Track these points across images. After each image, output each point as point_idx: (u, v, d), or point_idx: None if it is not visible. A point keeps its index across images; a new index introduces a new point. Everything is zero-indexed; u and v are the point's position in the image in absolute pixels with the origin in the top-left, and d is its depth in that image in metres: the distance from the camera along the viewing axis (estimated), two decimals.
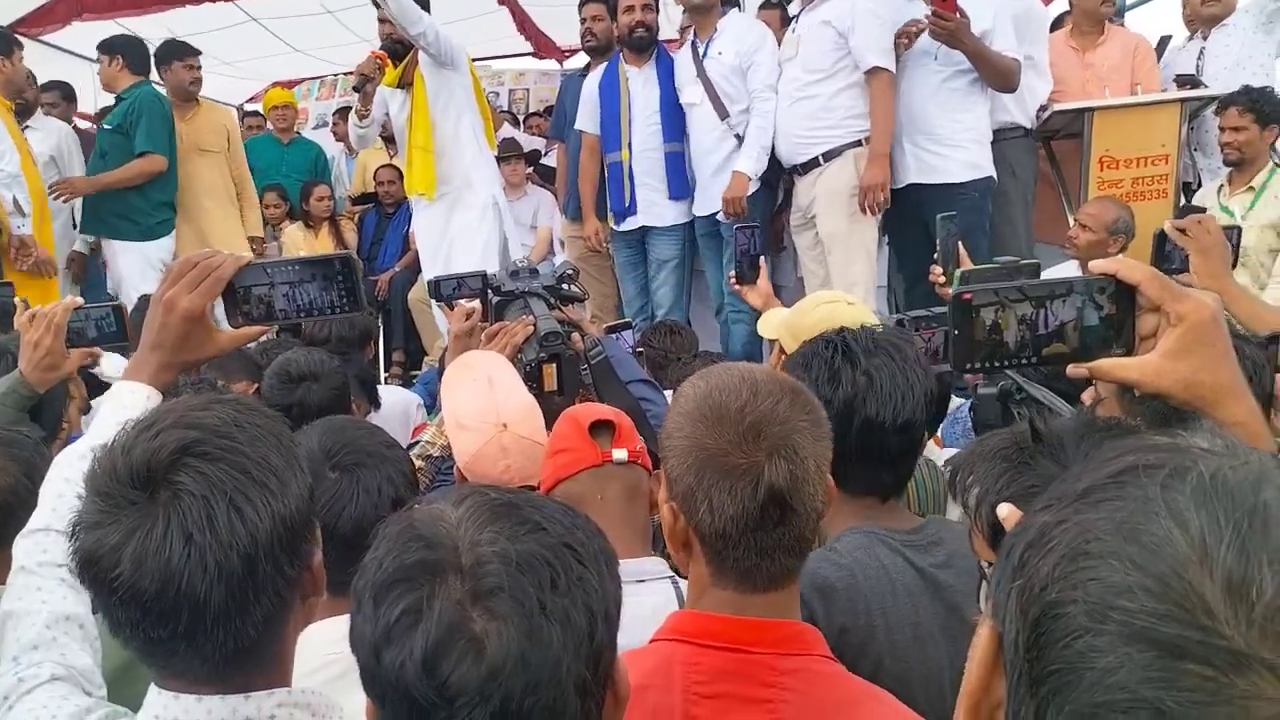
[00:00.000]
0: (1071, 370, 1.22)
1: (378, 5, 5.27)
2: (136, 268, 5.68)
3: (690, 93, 5.10)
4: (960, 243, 2.84)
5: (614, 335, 3.28)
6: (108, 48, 5.84)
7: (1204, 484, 0.58)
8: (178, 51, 6.10)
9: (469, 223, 5.36)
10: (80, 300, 2.34)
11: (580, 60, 6.73)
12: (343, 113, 8.07)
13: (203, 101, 6.32)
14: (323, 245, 7.06)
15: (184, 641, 1.06)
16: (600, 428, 1.78)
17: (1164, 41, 5.83)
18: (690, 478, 1.30)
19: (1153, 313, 1.15)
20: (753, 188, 4.84)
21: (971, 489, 1.28)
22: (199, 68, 6.16)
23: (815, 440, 1.30)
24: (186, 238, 5.90)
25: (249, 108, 9.34)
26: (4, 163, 5.02)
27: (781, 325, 2.63)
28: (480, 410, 1.98)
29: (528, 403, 2.04)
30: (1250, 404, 1.15)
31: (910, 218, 4.62)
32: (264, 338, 4.07)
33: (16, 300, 3.07)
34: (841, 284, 4.60)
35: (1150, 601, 0.54)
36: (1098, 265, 1.19)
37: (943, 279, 2.83)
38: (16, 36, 5.98)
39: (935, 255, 2.85)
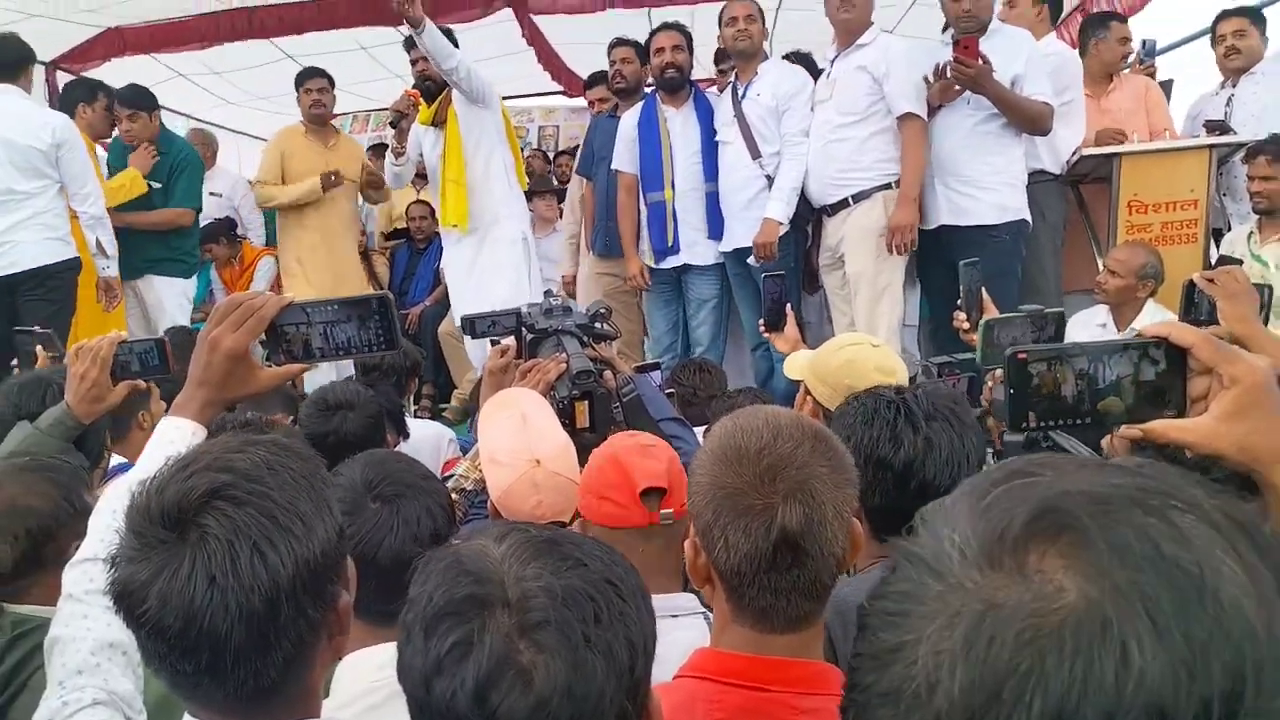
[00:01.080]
0: (1124, 431, 1.22)
1: (409, 49, 5.38)
2: (176, 302, 5.91)
3: (726, 132, 5.16)
4: (984, 289, 2.85)
5: (643, 375, 3.31)
6: (147, 105, 5.91)
7: None
8: (300, 79, 6.25)
9: (498, 259, 5.43)
10: (125, 334, 2.39)
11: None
12: (376, 149, 8.19)
13: (340, 130, 6.45)
14: None
15: (206, 677, 1.08)
16: (652, 492, 1.78)
17: (1166, 86, 5.86)
18: (709, 514, 1.32)
19: (1204, 375, 1.16)
20: (782, 231, 4.88)
21: None
22: (316, 90, 6.18)
23: (835, 486, 1.31)
24: (331, 273, 6.07)
25: None
26: (89, 205, 5.11)
27: (807, 366, 2.66)
28: (514, 446, 2.01)
29: (561, 440, 2.06)
30: None
31: (940, 259, 4.63)
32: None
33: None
34: (866, 323, 4.64)
35: None
36: (1150, 329, 1.20)
37: (966, 325, 2.84)
38: (101, 83, 6.16)
39: (959, 301, 2.86)
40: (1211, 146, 4.93)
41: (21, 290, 4.92)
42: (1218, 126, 5.22)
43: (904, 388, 1.87)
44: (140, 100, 5.89)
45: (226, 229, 6.98)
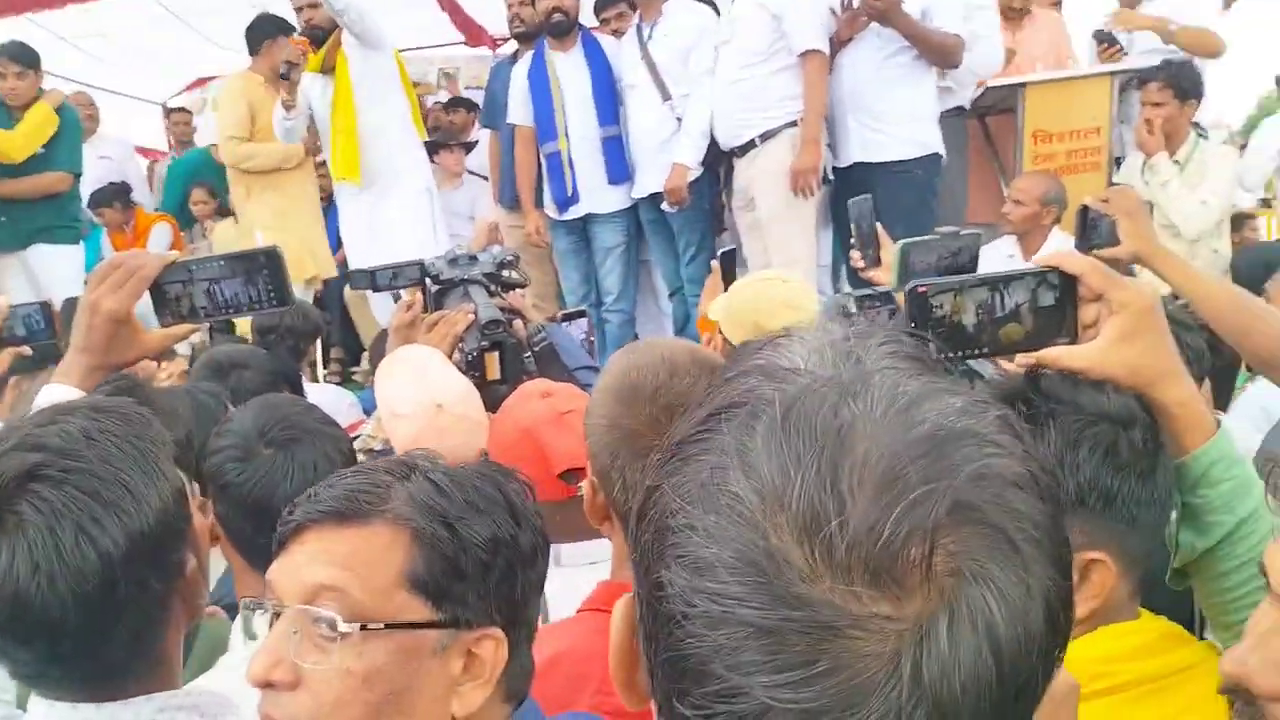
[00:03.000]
0: (1020, 359, 1.27)
1: None
2: (72, 272, 5.53)
3: (632, 75, 5.06)
4: (879, 224, 2.79)
5: (567, 323, 3.24)
6: (34, 62, 5.56)
7: (775, 420, 0.52)
8: (279, 29, 5.72)
9: (400, 215, 5.25)
10: (9, 299, 2.27)
11: (511, 47, 6.61)
12: None
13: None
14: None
15: (47, 664, 1.04)
16: (570, 472, 1.72)
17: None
18: (606, 456, 1.31)
19: (1094, 302, 1.21)
20: (694, 175, 4.83)
21: None
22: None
23: None
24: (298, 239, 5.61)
25: (173, 104, 9.11)
26: None
27: (719, 307, 2.63)
28: (414, 396, 1.93)
29: (463, 383, 2.00)
30: (1189, 385, 1.21)
31: (854, 197, 4.60)
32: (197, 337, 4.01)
33: None
34: (781, 264, 4.59)
35: (731, 577, 0.49)
36: (1041, 259, 1.25)
37: (862, 263, 2.77)
38: None
39: (852, 240, 2.80)
40: (1113, 74, 4.99)
41: None
42: (1105, 39, 5.27)
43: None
44: (26, 56, 5.56)
45: (121, 193, 6.76)
